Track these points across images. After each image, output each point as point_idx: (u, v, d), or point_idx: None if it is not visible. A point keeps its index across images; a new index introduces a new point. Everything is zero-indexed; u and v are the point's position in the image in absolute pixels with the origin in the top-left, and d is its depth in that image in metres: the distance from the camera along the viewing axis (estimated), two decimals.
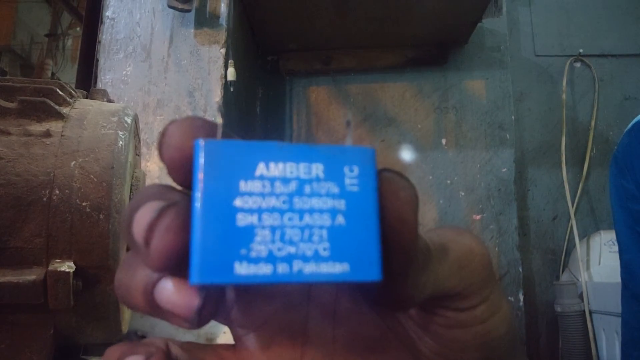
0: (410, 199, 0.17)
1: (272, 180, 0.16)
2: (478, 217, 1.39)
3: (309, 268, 0.16)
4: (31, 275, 0.45)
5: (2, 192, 0.46)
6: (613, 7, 1.64)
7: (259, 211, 0.16)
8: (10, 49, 2.72)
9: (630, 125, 0.78)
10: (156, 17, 1.10)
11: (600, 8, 1.64)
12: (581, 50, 1.60)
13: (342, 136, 1.47)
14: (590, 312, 1.31)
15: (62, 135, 0.50)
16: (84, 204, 0.48)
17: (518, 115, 1.55)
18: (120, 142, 0.52)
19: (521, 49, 1.62)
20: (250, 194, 0.16)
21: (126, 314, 0.56)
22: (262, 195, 0.16)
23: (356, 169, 0.17)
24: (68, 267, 0.46)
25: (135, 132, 0.61)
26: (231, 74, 1.03)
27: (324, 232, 0.16)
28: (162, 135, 0.17)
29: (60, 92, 0.53)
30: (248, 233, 0.16)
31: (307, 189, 0.17)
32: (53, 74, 2.34)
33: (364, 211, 0.17)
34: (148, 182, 0.78)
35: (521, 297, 1.35)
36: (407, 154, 1.44)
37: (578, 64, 1.61)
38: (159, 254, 0.16)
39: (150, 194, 0.17)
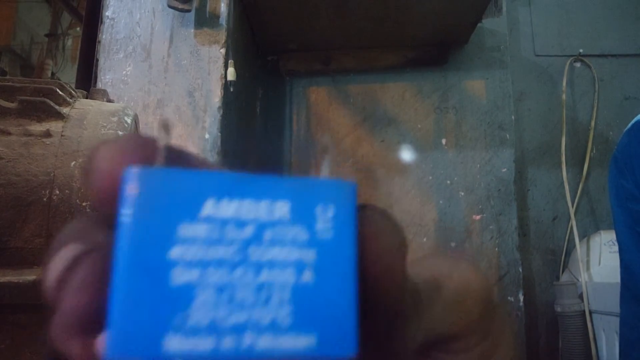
0: (396, 245, 0.14)
1: (223, 222, 0.13)
2: (478, 217, 1.39)
3: (264, 342, 0.12)
4: (31, 275, 0.45)
5: (2, 192, 0.46)
6: (613, 7, 1.64)
7: (202, 265, 0.12)
8: (10, 49, 2.72)
9: (629, 125, 0.78)
10: (156, 17, 1.10)
11: (600, 8, 1.64)
12: (581, 50, 1.60)
13: (342, 136, 1.47)
14: (590, 313, 1.31)
15: (62, 135, 0.50)
16: (84, 204, 0.48)
17: (518, 115, 1.55)
18: None
19: (521, 49, 1.62)
20: (192, 241, 0.12)
21: None
22: (208, 242, 0.13)
23: (331, 209, 0.14)
24: None
25: (135, 132, 0.61)
26: (231, 74, 1.03)
27: (286, 293, 0.13)
28: (90, 158, 0.14)
29: (60, 92, 0.53)
30: (185, 294, 0.12)
31: (267, 235, 0.13)
32: (53, 74, 2.34)
33: (338, 265, 0.13)
34: None
35: (521, 298, 1.35)
36: (407, 154, 1.44)
37: (578, 64, 1.61)
38: (69, 316, 0.12)
39: (72, 233, 0.14)
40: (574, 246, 1.43)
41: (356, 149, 1.45)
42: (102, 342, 0.12)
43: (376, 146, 1.45)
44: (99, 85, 1.06)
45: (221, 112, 1.04)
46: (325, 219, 0.13)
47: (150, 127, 1.03)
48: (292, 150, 1.48)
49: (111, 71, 1.07)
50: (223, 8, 1.09)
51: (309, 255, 0.13)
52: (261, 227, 0.13)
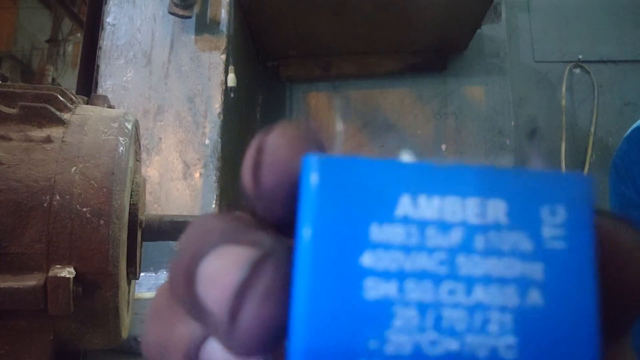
0: None
1: (423, 224, 0.10)
2: None
3: None
4: (31, 281, 0.45)
5: (3, 198, 0.46)
6: (612, 14, 1.64)
7: (401, 276, 0.10)
8: (11, 54, 2.73)
9: (629, 131, 0.78)
10: (157, 24, 1.10)
11: (600, 14, 1.64)
12: (580, 56, 1.60)
13: (342, 142, 1.47)
14: None
15: (62, 141, 0.50)
16: (84, 209, 0.48)
17: (518, 121, 1.56)
18: (121, 148, 0.52)
19: (520, 55, 1.62)
20: (387, 247, 0.10)
21: (126, 320, 0.56)
22: (407, 249, 0.10)
23: (562, 212, 0.11)
24: (68, 272, 0.46)
25: (135, 137, 0.61)
26: (231, 80, 1.03)
27: (508, 318, 0.10)
28: (261, 147, 0.12)
29: (61, 98, 0.53)
30: (382, 312, 0.10)
31: (479, 242, 0.10)
32: (54, 79, 2.35)
33: (575, 285, 0.10)
34: (148, 188, 0.78)
35: None
36: (406, 160, 1.44)
37: (577, 70, 1.62)
38: (253, 332, 0.10)
39: (221, 232, 0.12)
40: None
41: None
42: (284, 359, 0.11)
43: (376, 152, 1.45)
44: (100, 91, 1.06)
45: (221, 117, 1.04)
46: (553, 223, 0.11)
47: (150, 133, 1.03)
48: None
49: (112, 77, 1.07)
50: (223, 14, 1.10)
51: (535, 269, 0.10)
52: (471, 231, 0.10)
